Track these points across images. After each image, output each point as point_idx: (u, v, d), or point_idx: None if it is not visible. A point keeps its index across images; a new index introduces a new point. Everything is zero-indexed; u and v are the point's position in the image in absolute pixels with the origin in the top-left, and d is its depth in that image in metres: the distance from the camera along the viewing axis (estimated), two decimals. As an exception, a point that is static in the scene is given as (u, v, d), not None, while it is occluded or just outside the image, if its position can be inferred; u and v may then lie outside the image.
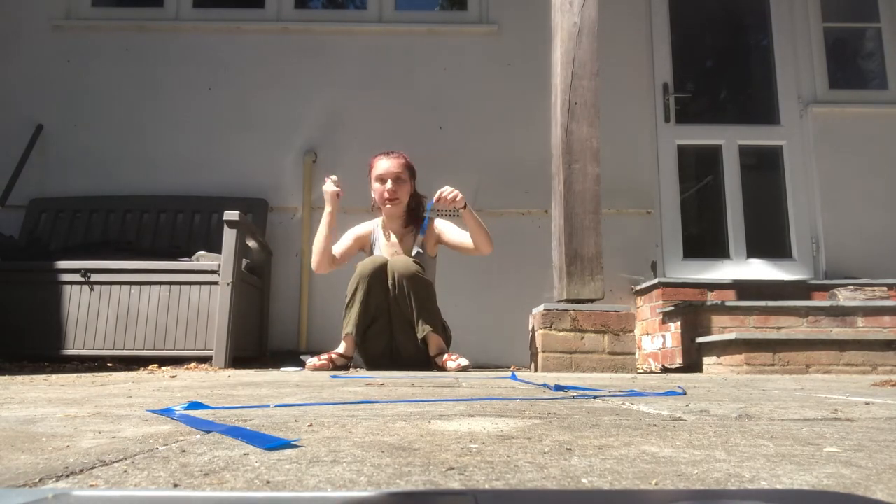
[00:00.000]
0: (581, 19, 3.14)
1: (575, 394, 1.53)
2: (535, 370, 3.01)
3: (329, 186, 3.10)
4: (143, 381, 2.00)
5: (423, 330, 2.94)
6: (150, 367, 3.07)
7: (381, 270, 2.97)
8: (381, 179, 3.13)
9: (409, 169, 3.19)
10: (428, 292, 2.98)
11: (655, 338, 4.06)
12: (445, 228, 3.20)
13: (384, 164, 3.14)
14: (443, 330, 3.08)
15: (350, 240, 3.25)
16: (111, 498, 0.46)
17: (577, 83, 3.10)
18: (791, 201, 4.55)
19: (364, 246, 3.28)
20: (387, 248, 3.21)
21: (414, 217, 3.21)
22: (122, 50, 4.60)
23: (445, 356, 2.94)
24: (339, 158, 4.44)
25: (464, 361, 2.90)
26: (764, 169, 4.75)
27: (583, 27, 3.13)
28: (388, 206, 3.13)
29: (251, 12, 4.73)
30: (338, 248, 3.19)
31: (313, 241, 3.17)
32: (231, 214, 3.36)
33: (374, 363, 3.06)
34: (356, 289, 2.99)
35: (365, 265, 3.00)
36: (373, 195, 3.20)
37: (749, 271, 4.44)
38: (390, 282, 2.95)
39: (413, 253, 3.13)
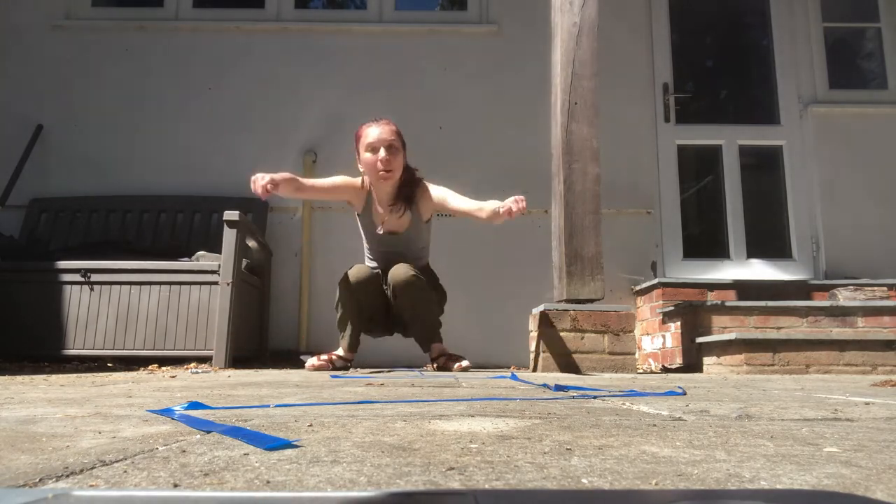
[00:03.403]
0: (581, 19, 3.13)
1: (575, 394, 1.53)
2: (535, 370, 3.01)
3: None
4: (143, 381, 2.00)
5: (424, 343, 2.98)
6: (150, 367, 3.07)
7: (369, 281, 2.89)
8: (373, 149, 2.87)
9: (401, 137, 2.95)
10: (428, 302, 2.93)
11: (655, 338, 4.06)
12: (446, 197, 2.96)
13: (375, 132, 2.88)
14: (438, 298, 3.05)
15: (339, 183, 2.98)
16: (111, 498, 0.46)
17: (577, 83, 3.10)
18: (791, 201, 4.55)
19: (356, 201, 3.02)
20: (378, 217, 3.01)
21: (404, 193, 2.95)
22: (122, 50, 4.60)
23: (445, 357, 2.94)
24: (338, 158, 4.43)
25: (465, 362, 2.90)
26: (764, 169, 4.75)
27: (583, 27, 3.13)
28: (382, 178, 2.88)
29: (251, 12, 4.73)
30: (317, 182, 2.98)
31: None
32: (231, 214, 3.36)
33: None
34: (346, 305, 2.91)
35: (349, 284, 2.87)
36: (360, 168, 2.96)
37: (749, 271, 4.44)
38: (390, 291, 2.91)
39: (408, 224, 2.98)
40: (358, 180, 3.03)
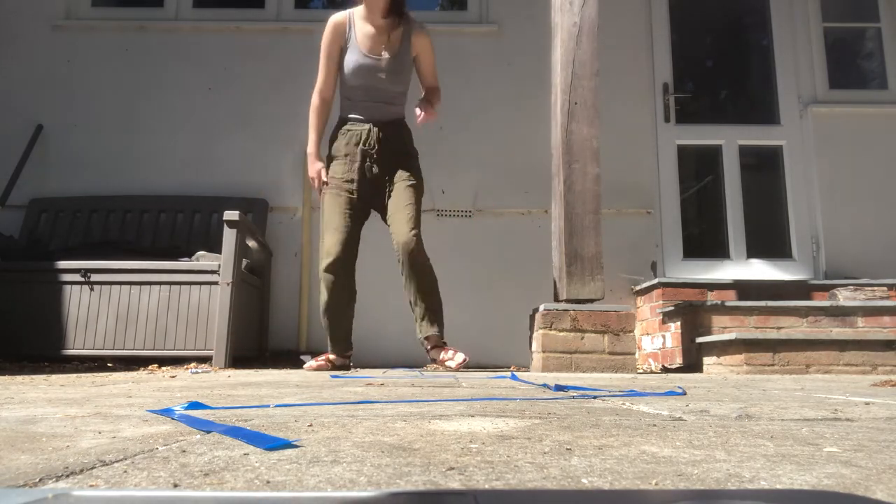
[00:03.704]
0: (581, 19, 3.14)
1: (575, 394, 1.53)
2: (535, 370, 3.01)
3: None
4: (143, 381, 2.00)
5: (423, 330, 2.93)
6: (150, 367, 3.07)
7: (334, 268, 2.86)
8: None
9: None
10: (433, 282, 2.89)
11: (655, 338, 4.06)
12: (428, 52, 3.05)
13: None
14: (417, 183, 3.04)
15: (330, 49, 2.97)
16: (111, 498, 0.46)
17: (577, 83, 3.10)
18: (791, 201, 4.55)
19: (342, 41, 2.98)
20: (365, 41, 2.96)
21: (397, 7, 2.96)
22: (122, 50, 4.60)
23: (443, 353, 2.92)
24: (339, 158, 4.43)
25: (460, 356, 2.88)
26: (764, 169, 4.75)
27: (583, 27, 3.13)
28: None
29: (251, 12, 4.73)
30: (324, 78, 3.02)
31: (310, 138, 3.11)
32: (231, 214, 3.36)
33: None
34: (329, 318, 2.90)
35: (325, 301, 2.87)
36: None
37: (749, 271, 4.44)
38: (401, 264, 2.85)
39: (397, 48, 2.96)
40: (334, 20, 2.98)
